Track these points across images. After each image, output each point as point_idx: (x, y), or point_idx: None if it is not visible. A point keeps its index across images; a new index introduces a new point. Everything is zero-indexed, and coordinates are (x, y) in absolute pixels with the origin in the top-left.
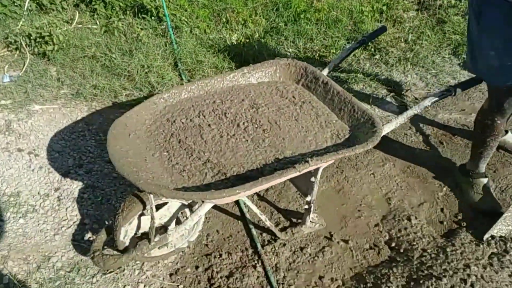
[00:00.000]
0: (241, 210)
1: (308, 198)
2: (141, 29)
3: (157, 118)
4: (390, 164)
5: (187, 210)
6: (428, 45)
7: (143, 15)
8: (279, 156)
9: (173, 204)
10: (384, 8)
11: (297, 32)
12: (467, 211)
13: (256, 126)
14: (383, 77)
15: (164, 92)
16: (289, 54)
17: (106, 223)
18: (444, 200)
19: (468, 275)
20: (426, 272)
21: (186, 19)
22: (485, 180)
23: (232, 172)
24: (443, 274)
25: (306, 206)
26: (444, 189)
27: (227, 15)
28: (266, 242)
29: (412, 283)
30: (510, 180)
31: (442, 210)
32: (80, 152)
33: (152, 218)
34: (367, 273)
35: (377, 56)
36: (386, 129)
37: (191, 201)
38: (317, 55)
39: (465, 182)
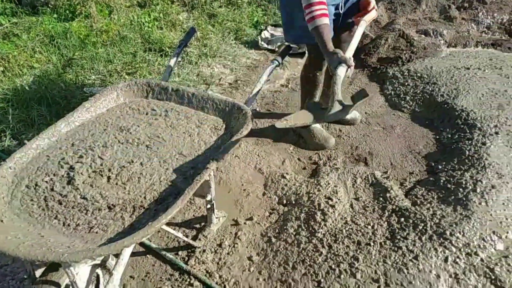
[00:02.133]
0: (141, 243)
1: (209, 197)
2: None
3: (14, 191)
4: (244, 143)
5: (98, 270)
6: (214, 37)
7: None
8: (182, 168)
9: (83, 271)
10: (161, 15)
11: (92, 58)
12: (314, 152)
13: (138, 145)
14: (195, 75)
15: (6, 161)
16: (94, 81)
17: None
18: (296, 152)
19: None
20: (315, 204)
21: None
22: (317, 124)
23: (148, 201)
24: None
25: (208, 206)
26: (292, 144)
27: (2, 62)
28: (187, 258)
29: (309, 216)
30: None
31: (299, 159)
32: None
33: None
34: (275, 231)
35: (180, 59)
36: (249, 107)
37: (103, 257)
38: (124, 74)
39: (304, 131)
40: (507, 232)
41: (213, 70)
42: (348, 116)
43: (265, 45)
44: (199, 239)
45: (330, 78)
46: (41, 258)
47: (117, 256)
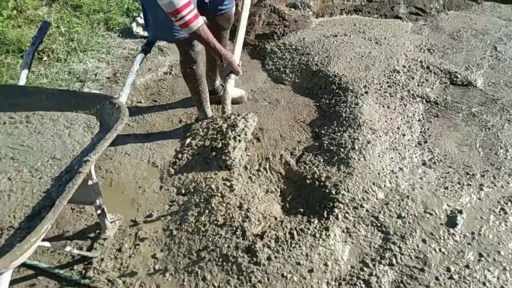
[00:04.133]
0: (29, 265)
1: (97, 203)
2: None
3: None
4: (133, 138)
5: None
6: (82, 30)
7: None
8: (56, 173)
9: None
10: (15, 12)
11: None
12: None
13: (0, 159)
14: (66, 73)
15: None
16: None
17: None
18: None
19: None
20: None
21: None
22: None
23: (18, 220)
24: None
25: (99, 211)
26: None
27: None
28: (84, 271)
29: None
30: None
31: None
32: None
33: None
34: (176, 223)
35: (46, 58)
36: (122, 100)
37: None
38: None
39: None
40: (385, 181)
41: (86, 65)
42: (235, 95)
43: (141, 33)
44: (95, 249)
45: (212, 61)
46: None
47: None
